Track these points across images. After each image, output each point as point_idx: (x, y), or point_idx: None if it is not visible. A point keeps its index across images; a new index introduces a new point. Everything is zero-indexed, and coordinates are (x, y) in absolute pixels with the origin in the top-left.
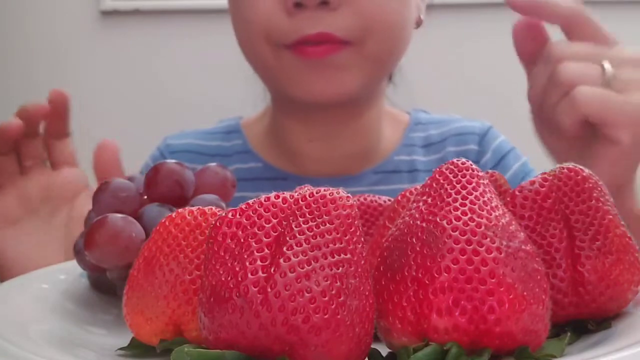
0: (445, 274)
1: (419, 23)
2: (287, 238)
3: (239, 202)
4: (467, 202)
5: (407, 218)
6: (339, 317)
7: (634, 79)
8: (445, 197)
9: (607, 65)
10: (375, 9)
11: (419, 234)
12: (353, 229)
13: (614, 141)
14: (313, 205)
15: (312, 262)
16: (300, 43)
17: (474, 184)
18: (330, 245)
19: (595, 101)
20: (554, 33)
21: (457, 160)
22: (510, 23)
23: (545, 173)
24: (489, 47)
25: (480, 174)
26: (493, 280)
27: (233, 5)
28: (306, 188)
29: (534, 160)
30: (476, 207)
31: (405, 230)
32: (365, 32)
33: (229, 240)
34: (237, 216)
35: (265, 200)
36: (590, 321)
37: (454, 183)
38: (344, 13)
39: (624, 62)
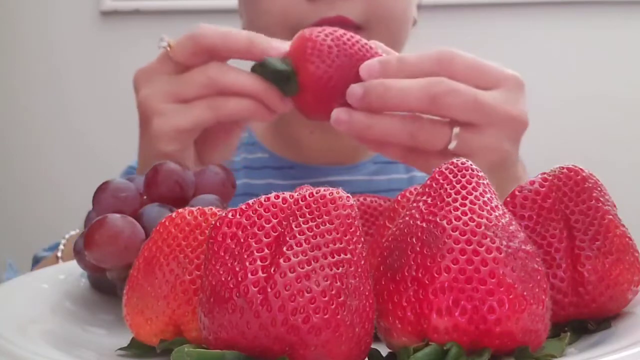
0: (445, 274)
1: (413, 22)
2: (287, 238)
3: (248, 188)
4: (467, 202)
5: (407, 218)
6: (339, 317)
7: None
8: (445, 197)
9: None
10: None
11: (419, 234)
12: (353, 229)
13: None
14: (313, 205)
15: (312, 262)
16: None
17: (473, 184)
18: (330, 245)
19: None
20: None
21: (457, 160)
22: (507, 24)
23: (545, 173)
24: (484, 48)
25: (480, 174)
26: (493, 280)
27: (249, 1)
28: (306, 188)
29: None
30: (476, 207)
31: (405, 230)
32: (374, 20)
33: (229, 240)
34: (237, 216)
35: (265, 201)
36: (590, 321)
37: (454, 183)
38: (356, 1)
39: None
